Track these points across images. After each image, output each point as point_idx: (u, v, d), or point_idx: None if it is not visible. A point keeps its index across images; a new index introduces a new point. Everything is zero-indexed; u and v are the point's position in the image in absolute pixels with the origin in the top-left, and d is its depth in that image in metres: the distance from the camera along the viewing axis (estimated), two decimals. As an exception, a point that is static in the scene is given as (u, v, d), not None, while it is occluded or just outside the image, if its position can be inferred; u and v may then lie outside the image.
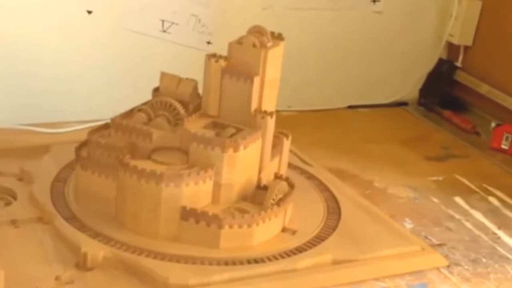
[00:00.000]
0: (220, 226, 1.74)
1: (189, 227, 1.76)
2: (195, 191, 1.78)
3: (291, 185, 1.91)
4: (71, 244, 1.73)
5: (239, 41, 1.87)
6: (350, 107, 2.82)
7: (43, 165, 2.03)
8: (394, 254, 1.86)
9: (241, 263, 1.74)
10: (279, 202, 1.84)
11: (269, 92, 1.90)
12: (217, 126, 1.89)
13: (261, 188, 1.89)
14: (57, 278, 1.64)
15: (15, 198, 1.92)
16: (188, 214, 1.76)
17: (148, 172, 1.74)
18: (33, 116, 2.27)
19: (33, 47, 2.26)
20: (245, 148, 1.81)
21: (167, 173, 1.75)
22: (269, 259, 1.76)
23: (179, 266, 1.68)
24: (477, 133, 2.73)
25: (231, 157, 1.80)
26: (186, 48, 2.42)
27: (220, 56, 1.88)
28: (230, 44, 1.88)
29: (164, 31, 2.39)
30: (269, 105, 1.92)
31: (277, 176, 1.93)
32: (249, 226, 1.77)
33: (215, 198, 1.83)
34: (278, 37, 1.93)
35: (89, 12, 2.29)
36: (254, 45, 1.85)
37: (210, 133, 1.83)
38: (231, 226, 1.75)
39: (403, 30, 2.80)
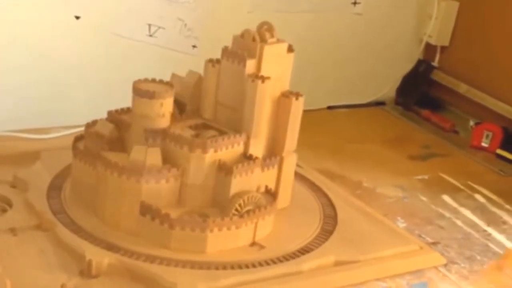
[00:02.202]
0: (171, 226, 1.73)
1: (146, 223, 1.75)
2: (156, 189, 1.76)
3: (274, 197, 1.87)
4: (73, 252, 1.71)
5: (241, 34, 1.87)
6: (329, 107, 2.83)
7: (36, 172, 2.01)
8: (394, 254, 1.88)
9: (243, 267, 1.74)
10: (243, 214, 1.79)
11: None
12: (203, 128, 1.87)
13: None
14: (62, 286, 1.62)
15: (10, 205, 1.90)
16: (145, 210, 1.75)
17: (112, 163, 1.75)
18: (20, 122, 2.24)
19: (20, 53, 2.23)
20: (216, 150, 1.79)
21: (128, 167, 1.74)
22: (274, 262, 1.77)
23: (187, 272, 1.68)
24: (456, 132, 2.76)
25: (199, 158, 1.77)
26: (172, 52, 2.41)
27: (218, 61, 1.89)
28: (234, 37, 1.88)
29: (151, 35, 2.38)
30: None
31: (267, 190, 1.89)
32: (202, 231, 1.73)
33: (181, 199, 1.80)
34: (288, 49, 1.93)
35: (77, 17, 2.27)
36: (253, 39, 1.85)
37: (187, 133, 1.81)
38: (182, 228, 1.73)
39: (383, 32, 2.83)
